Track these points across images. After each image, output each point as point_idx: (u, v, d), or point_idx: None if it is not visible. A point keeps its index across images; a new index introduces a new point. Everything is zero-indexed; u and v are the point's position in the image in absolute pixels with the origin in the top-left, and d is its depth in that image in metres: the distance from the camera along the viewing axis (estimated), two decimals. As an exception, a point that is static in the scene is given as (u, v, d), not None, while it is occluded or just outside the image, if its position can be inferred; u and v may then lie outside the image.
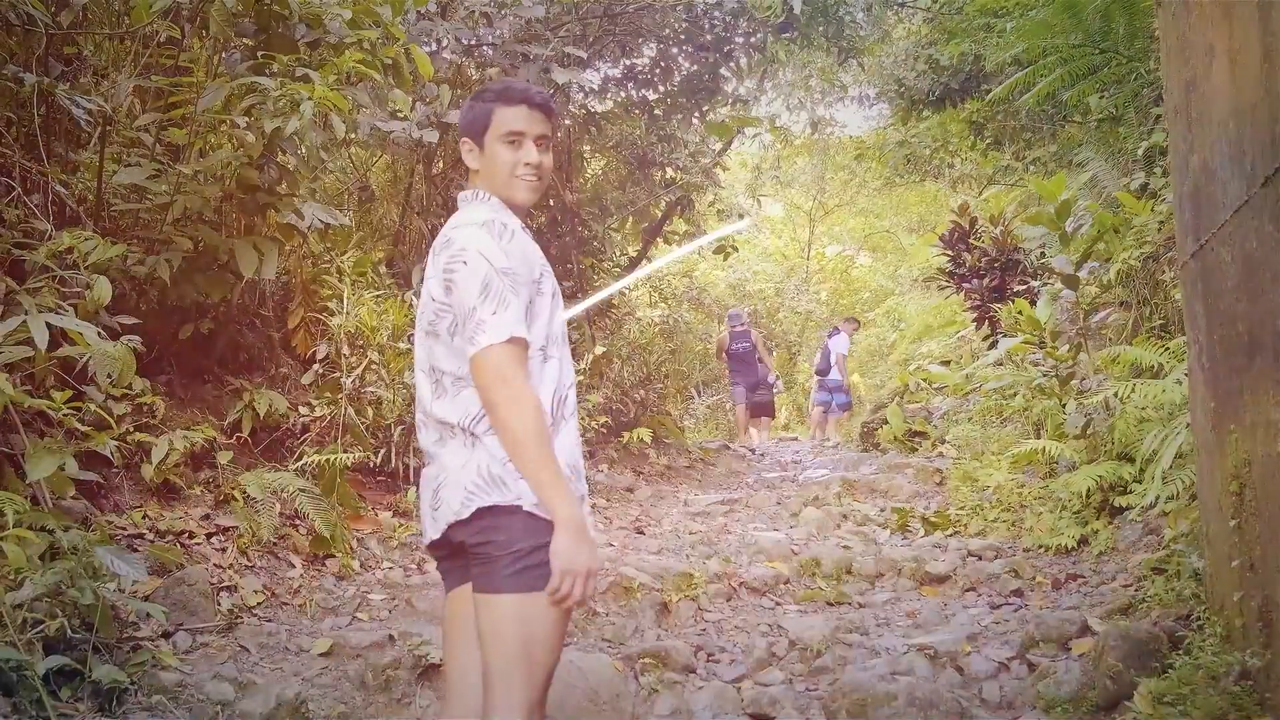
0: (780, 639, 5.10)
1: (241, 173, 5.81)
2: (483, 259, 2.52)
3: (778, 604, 5.83)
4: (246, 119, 5.47)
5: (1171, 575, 4.82)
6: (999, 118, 14.49)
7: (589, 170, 12.77)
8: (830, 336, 17.23)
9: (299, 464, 5.63)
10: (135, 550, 4.65)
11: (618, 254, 13.20)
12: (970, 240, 12.15)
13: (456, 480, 2.53)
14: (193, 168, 5.60)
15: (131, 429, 5.14)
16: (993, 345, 11.38)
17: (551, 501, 2.41)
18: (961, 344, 15.14)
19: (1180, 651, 3.94)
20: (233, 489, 5.38)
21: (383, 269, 7.80)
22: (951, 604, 5.72)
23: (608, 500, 8.98)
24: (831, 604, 5.84)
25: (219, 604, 4.64)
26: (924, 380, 13.58)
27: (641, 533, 7.51)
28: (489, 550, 2.48)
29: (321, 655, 4.46)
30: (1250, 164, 3.28)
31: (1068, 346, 7.40)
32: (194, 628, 4.42)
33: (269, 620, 4.72)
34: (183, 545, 4.90)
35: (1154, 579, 5.01)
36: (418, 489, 2.52)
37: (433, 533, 2.64)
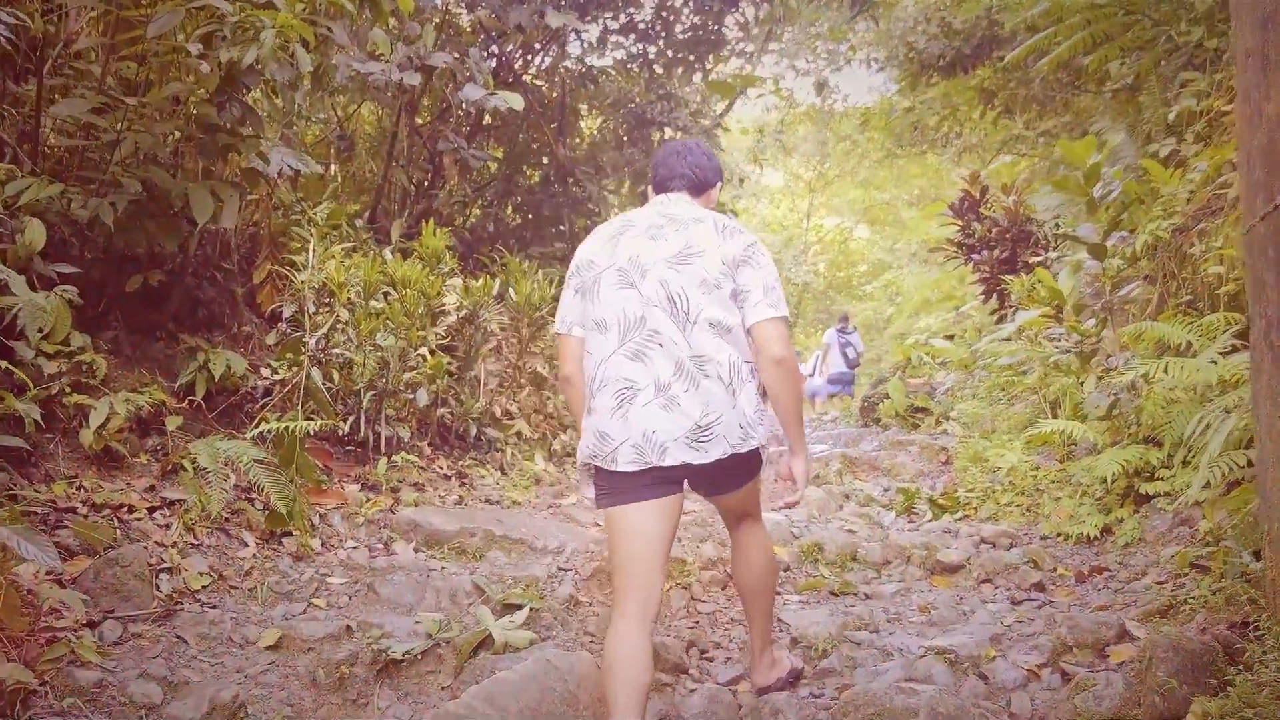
0: (781, 635, 4.62)
1: (199, 110, 5.29)
2: (770, 258, 3.50)
3: (777, 594, 5.35)
4: (201, 48, 4.94)
5: (1217, 574, 4.36)
6: (1011, 85, 14.00)
7: (586, 128, 12.23)
8: (851, 334, 17.15)
9: (257, 431, 5.13)
10: (65, 526, 4.17)
11: (613, 216, 12.69)
12: (980, 210, 11.68)
13: (731, 419, 3.27)
14: (143, 100, 5.06)
15: (68, 389, 4.64)
16: (1000, 319, 10.94)
17: (800, 441, 3.56)
18: (962, 318, 14.72)
19: (1239, 666, 3.47)
20: (182, 458, 4.88)
21: (358, 222, 7.29)
22: (967, 597, 5.25)
23: (596, 474, 8.50)
24: (835, 594, 5.37)
25: (157, 588, 4.14)
26: (927, 355, 13.14)
27: (631, 511, 7.03)
28: (748, 468, 3.45)
29: (269, 648, 3.97)
30: (1360, 103, 2.77)
31: (1093, 321, 6.90)
32: (125, 615, 3.92)
33: (213, 606, 4.23)
34: (120, 521, 4.40)
35: (1196, 577, 4.55)
36: (607, 420, 3.31)
37: (692, 458, 3.25)
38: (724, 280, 3.33)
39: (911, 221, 26.00)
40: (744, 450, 3.29)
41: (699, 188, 3.68)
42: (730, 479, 3.46)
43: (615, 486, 3.35)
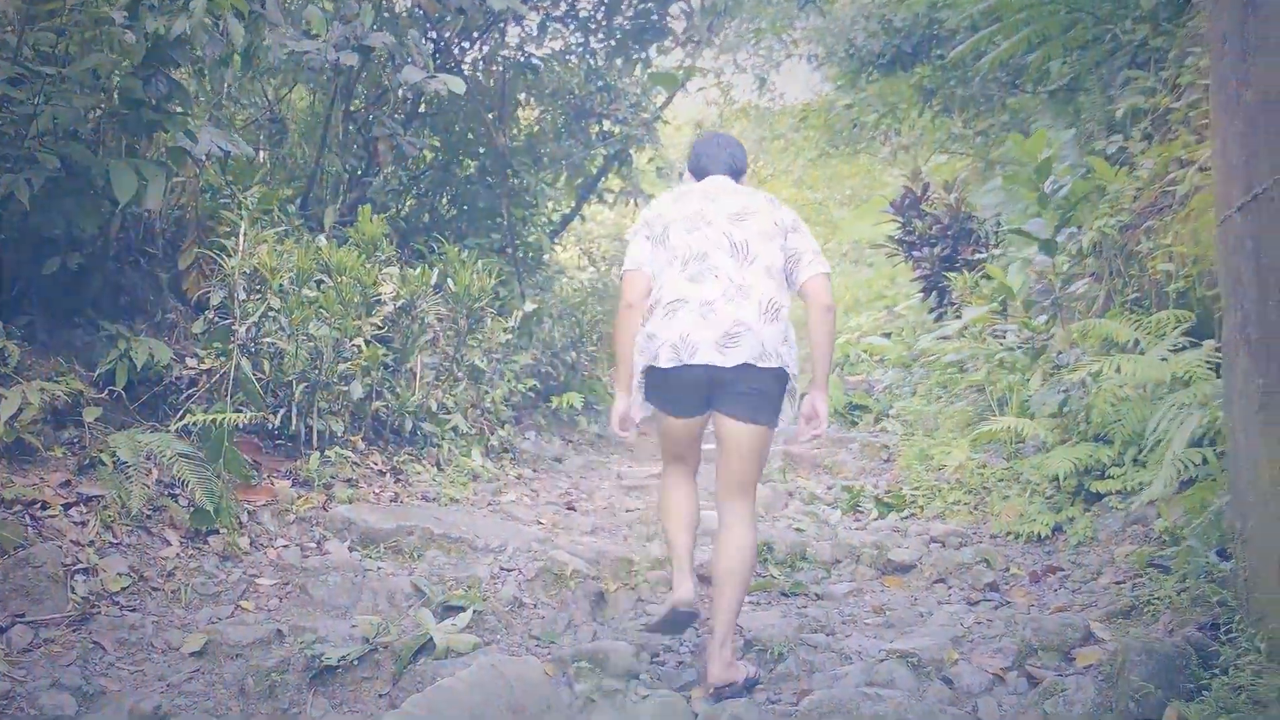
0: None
1: (123, 83, 5.00)
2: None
3: (727, 594, 5.17)
4: (125, 16, 4.66)
5: (1179, 574, 4.26)
6: (950, 84, 13.98)
7: (523, 118, 11.98)
8: None
9: (182, 424, 4.85)
10: (-31, 523, 3.88)
11: (550, 209, 12.47)
12: (922, 206, 11.64)
13: (756, 336, 3.80)
14: (62, 71, 4.76)
15: (-24, 377, 4.35)
16: (940, 316, 10.90)
17: (826, 379, 4.13)
18: (894, 317, 14.70)
19: (1213, 669, 3.36)
20: (100, 451, 4.60)
21: (291, 208, 7.00)
22: (922, 598, 5.13)
23: (534, 470, 8.30)
24: (786, 595, 5.22)
25: (72, 590, 3.88)
26: (865, 352, 13.09)
27: (573, 509, 6.83)
28: (769, 399, 3.91)
29: (193, 654, 3.74)
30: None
31: (1044, 318, 6.82)
32: (37, 620, 3.66)
33: (133, 610, 3.97)
34: (33, 518, 4.13)
35: (1155, 577, 4.46)
36: (672, 328, 3.84)
37: (716, 360, 3.78)
38: (777, 235, 4.01)
39: (843, 221, 26.05)
40: (763, 365, 3.79)
41: (736, 174, 4.30)
42: (750, 403, 3.87)
43: (658, 398, 4.03)
